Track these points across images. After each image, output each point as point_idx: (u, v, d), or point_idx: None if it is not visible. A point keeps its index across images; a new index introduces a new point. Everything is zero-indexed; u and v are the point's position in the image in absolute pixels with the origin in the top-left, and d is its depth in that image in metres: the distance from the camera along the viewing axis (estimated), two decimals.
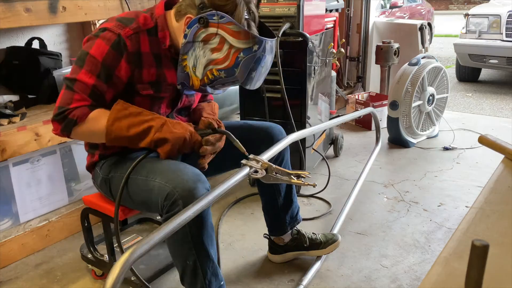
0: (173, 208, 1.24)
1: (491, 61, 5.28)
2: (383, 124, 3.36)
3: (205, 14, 1.27)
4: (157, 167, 1.36)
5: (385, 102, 3.58)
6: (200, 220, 1.28)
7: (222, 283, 1.40)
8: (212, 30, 1.28)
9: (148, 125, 1.30)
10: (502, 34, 5.18)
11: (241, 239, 2.11)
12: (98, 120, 1.31)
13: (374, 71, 4.48)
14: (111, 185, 1.48)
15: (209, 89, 1.39)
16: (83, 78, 1.30)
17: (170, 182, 1.28)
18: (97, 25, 2.42)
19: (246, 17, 1.32)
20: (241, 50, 1.28)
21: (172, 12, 1.41)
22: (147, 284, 1.58)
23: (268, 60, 1.36)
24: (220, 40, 1.28)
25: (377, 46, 3.89)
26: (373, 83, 4.55)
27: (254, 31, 1.34)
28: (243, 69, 1.30)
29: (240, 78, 1.32)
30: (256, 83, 1.39)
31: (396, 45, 3.79)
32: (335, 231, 2.07)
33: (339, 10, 3.12)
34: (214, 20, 1.27)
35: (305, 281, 1.75)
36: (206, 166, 1.43)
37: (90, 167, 1.56)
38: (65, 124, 1.30)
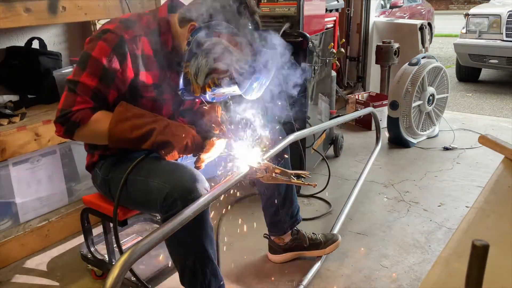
0: (172, 208, 1.24)
1: (491, 61, 5.28)
2: (383, 124, 3.36)
3: (209, 24, 1.27)
4: (156, 168, 1.35)
5: (385, 102, 3.58)
6: (199, 220, 1.28)
7: (221, 283, 1.41)
8: (215, 40, 1.28)
9: (150, 127, 1.29)
10: (502, 34, 5.17)
11: (241, 239, 2.11)
12: (101, 122, 1.30)
13: (374, 71, 4.47)
14: (110, 185, 1.48)
15: (209, 97, 1.39)
16: (86, 80, 1.29)
17: (169, 182, 1.28)
18: (97, 25, 2.42)
19: (250, 27, 1.32)
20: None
21: (176, 17, 1.40)
22: (147, 284, 1.58)
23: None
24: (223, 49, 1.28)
25: (377, 46, 3.89)
26: (373, 83, 4.54)
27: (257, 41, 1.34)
28: (245, 80, 1.30)
29: (241, 88, 1.32)
30: (257, 93, 1.39)
31: (396, 45, 3.78)
32: (335, 231, 2.07)
33: (339, 10, 3.11)
34: (218, 29, 1.27)
35: (305, 281, 1.75)
36: (203, 167, 1.42)
37: (90, 167, 1.56)
38: (68, 126, 1.30)
